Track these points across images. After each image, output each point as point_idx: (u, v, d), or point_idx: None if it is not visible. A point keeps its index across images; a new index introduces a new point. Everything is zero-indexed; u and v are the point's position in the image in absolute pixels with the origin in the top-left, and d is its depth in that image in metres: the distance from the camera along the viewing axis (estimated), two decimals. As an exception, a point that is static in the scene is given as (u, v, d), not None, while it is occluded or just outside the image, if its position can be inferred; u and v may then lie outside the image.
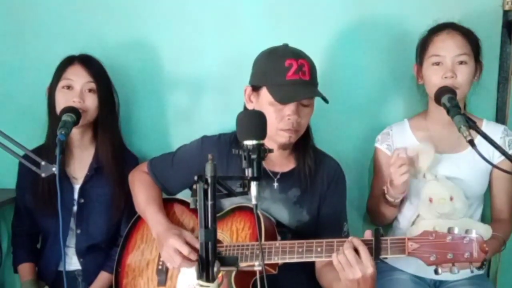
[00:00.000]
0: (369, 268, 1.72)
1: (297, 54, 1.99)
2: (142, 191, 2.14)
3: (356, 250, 1.74)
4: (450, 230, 1.71)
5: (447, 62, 2.10)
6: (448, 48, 2.11)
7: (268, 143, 2.02)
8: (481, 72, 2.20)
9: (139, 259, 2.10)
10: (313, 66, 2.01)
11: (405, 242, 1.73)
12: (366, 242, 1.76)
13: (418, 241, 1.73)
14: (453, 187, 2.10)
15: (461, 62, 2.10)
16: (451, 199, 2.07)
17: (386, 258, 1.77)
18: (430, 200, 2.09)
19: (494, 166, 1.96)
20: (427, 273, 2.17)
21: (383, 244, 1.75)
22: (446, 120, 2.04)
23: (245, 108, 2.08)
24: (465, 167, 2.16)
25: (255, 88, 2.03)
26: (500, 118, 2.40)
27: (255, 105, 2.03)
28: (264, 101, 1.98)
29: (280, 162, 2.10)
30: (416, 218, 2.16)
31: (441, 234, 1.71)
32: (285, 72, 1.94)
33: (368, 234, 1.78)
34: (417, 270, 2.21)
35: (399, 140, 2.25)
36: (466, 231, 1.69)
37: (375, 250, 1.74)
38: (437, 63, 2.11)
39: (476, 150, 1.80)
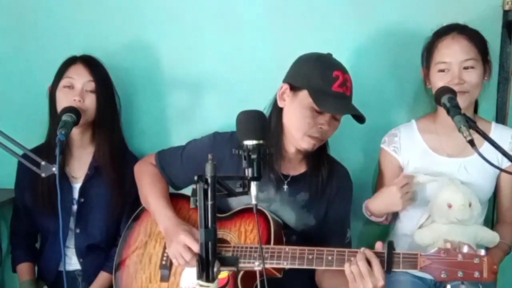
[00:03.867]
0: (380, 281, 1.74)
1: (343, 68, 2.00)
2: (149, 184, 2.13)
3: (368, 262, 1.75)
4: (460, 248, 1.73)
5: (453, 68, 2.08)
6: (454, 54, 2.09)
7: (287, 145, 2.03)
8: (491, 71, 2.19)
9: (141, 253, 2.08)
10: (352, 82, 2.02)
11: (417, 257, 1.75)
12: (378, 255, 1.76)
13: (430, 258, 1.75)
14: (471, 193, 2.08)
15: (468, 68, 2.09)
16: (470, 205, 2.06)
17: (395, 271, 1.79)
18: (450, 206, 2.06)
19: (498, 168, 1.93)
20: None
21: (395, 258, 1.76)
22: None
23: (274, 104, 2.06)
24: (474, 171, 2.15)
25: (294, 88, 2.00)
26: (500, 118, 2.39)
27: (287, 103, 2.01)
28: (302, 104, 1.96)
29: (292, 165, 2.09)
30: (425, 221, 2.13)
31: (453, 252, 1.73)
32: (332, 82, 1.94)
33: (379, 246, 1.79)
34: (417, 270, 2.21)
35: (407, 142, 2.24)
36: (476, 251, 1.72)
37: (387, 263, 1.75)
38: (444, 70, 2.10)
39: (476, 150, 1.78)
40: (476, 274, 1.70)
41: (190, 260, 1.89)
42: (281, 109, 2.04)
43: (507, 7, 2.34)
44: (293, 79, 2.02)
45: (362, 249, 1.78)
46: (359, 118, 2.00)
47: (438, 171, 2.16)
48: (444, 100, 1.96)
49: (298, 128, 1.97)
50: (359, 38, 2.40)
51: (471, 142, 1.79)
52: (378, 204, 2.12)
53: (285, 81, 2.04)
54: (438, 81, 2.11)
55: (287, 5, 2.41)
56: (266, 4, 2.42)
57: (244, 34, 2.43)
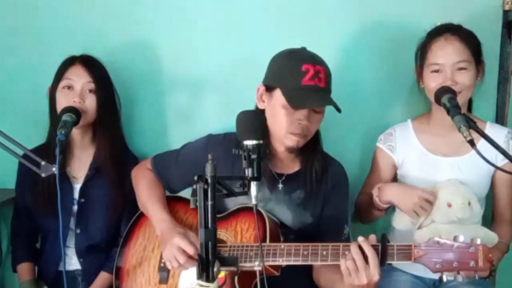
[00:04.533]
0: (375, 276, 1.73)
1: (315, 60, 1.98)
2: (145, 188, 2.14)
3: (364, 256, 1.74)
4: (455, 238, 1.72)
5: (446, 70, 2.09)
6: (447, 56, 2.09)
7: (275, 144, 2.03)
8: (484, 72, 2.19)
9: (140, 256, 2.09)
10: (329, 73, 2.00)
11: (412, 249, 1.74)
12: (372, 247, 1.76)
13: (424, 249, 1.74)
14: (470, 192, 2.08)
15: (461, 69, 2.09)
16: (469, 204, 2.06)
17: (390, 264, 1.78)
18: (449, 205, 2.06)
19: (495, 167, 1.94)
20: (427, 273, 2.16)
21: (390, 250, 1.76)
22: (449, 124, 2.03)
23: (256, 107, 2.07)
24: (468, 170, 2.15)
25: (269, 88, 2.01)
26: (500, 118, 2.39)
27: (266, 105, 2.02)
28: (277, 103, 1.97)
29: (286, 164, 2.10)
30: (424, 221, 2.12)
31: (447, 242, 1.72)
32: (301, 77, 1.93)
33: (373, 239, 1.78)
34: (416, 270, 2.21)
35: (402, 141, 2.24)
36: (472, 240, 1.71)
37: (382, 256, 1.75)
38: (437, 71, 2.11)
39: (476, 150, 1.79)
40: (472, 263, 1.68)
41: (184, 263, 1.89)
42: (263, 111, 2.04)
43: (507, 7, 2.34)
44: (267, 80, 2.03)
45: (359, 239, 1.77)
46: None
47: (433, 170, 2.17)
48: (444, 100, 1.97)
49: (280, 127, 1.97)
50: (360, 38, 2.40)
51: (471, 142, 1.80)
52: (393, 191, 2.10)
53: (263, 82, 2.05)
54: (431, 82, 2.11)
55: (287, 6, 2.41)
56: (266, 4, 2.42)
57: (244, 34, 2.43)
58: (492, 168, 2.14)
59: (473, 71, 2.11)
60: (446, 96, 1.98)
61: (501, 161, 2.08)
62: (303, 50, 2.01)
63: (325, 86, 1.97)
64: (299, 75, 1.93)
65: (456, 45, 2.10)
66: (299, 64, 1.94)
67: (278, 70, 2.00)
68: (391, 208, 2.26)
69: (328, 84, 1.99)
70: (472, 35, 2.15)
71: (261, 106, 2.05)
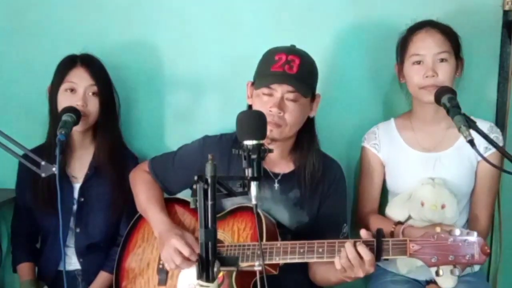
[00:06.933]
0: (371, 270, 1.75)
1: (291, 51, 1.99)
2: (143, 190, 2.14)
3: (358, 252, 1.75)
4: (451, 231, 1.72)
5: (427, 60, 2.10)
6: (428, 47, 2.11)
7: (265, 140, 2.03)
8: (463, 68, 2.20)
9: (139, 258, 2.10)
10: (307, 64, 2.00)
11: (407, 243, 1.74)
12: (367, 243, 1.76)
13: (420, 243, 1.73)
14: (448, 196, 2.08)
15: (441, 60, 2.10)
16: (443, 207, 2.06)
17: (387, 259, 1.78)
18: (422, 204, 2.08)
19: (491, 164, 1.92)
20: (421, 274, 2.18)
21: (385, 245, 1.76)
22: (430, 118, 2.06)
23: (248, 105, 2.08)
24: (451, 164, 2.16)
25: (253, 83, 2.05)
26: (500, 118, 2.39)
27: (252, 99, 2.05)
28: (254, 94, 2.01)
29: (281, 163, 2.10)
30: (406, 219, 2.13)
31: (443, 236, 1.71)
32: (271, 64, 1.97)
33: (364, 234, 1.79)
34: (410, 271, 2.19)
35: (385, 139, 2.25)
36: (467, 233, 1.70)
37: (377, 251, 1.75)
38: (418, 62, 2.12)
39: (476, 150, 1.79)
40: (468, 257, 1.68)
41: (180, 264, 1.89)
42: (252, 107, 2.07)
43: (507, 7, 2.34)
44: (253, 76, 2.07)
45: (352, 241, 1.77)
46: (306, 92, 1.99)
47: (415, 165, 2.17)
48: (444, 100, 1.97)
49: None
50: (350, 37, 2.40)
51: (471, 142, 1.79)
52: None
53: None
54: (413, 74, 2.13)
55: (286, 5, 2.41)
56: (265, 4, 2.42)
57: (244, 34, 2.43)
58: (475, 163, 2.15)
59: (453, 64, 2.13)
60: (446, 96, 1.98)
61: (483, 153, 2.07)
62: (287, 46, 2.04)
63: (296, 73, 1.96)
64: (270, 63, 1.97)
65: (437, 36, 2.12)
66: (274, 54, 1.98)
67: (259, 64, 2.05)
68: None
69: (300, 72, 1.97)
70: (451, 29, 2.17)
71: (249, 102, 2.07)
